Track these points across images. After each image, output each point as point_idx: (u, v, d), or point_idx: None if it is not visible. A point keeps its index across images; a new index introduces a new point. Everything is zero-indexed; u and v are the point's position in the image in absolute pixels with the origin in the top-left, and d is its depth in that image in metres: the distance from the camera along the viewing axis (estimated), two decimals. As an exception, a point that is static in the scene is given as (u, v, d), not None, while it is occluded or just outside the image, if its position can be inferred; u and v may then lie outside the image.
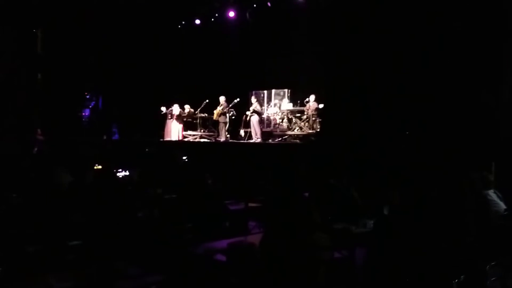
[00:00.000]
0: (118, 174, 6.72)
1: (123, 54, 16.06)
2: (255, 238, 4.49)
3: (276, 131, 13.48)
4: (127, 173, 6.88)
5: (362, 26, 9.72)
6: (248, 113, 13.15)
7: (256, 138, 12.86)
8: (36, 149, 11.32)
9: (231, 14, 15.20)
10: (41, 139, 13.22)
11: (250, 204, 6.52)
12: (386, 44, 9.22)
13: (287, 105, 13.82)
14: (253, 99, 13.29)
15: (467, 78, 7.94)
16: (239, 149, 11.74)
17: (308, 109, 12.77)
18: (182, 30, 16.73)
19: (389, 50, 9.17)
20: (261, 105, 13.74)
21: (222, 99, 13.56)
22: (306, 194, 5.40)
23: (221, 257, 4.42)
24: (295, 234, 3.45)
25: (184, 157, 8.93)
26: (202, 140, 14.11)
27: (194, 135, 14.51)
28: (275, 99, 14.25)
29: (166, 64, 16.43)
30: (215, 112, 13.69)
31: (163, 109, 14.45)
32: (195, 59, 16.31)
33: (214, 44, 16.06)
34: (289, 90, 14.11)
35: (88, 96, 16.78)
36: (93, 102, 16.86)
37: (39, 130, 13.46)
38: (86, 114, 16.62)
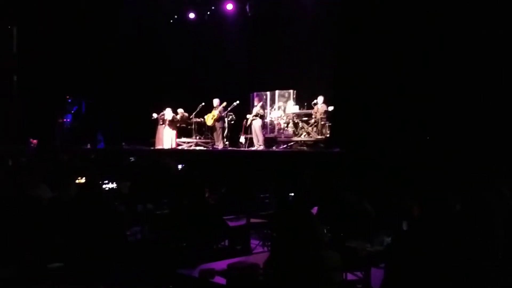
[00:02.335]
0: (104, 187, 6.74)
1: (108, 53, 16.12)
2: (258, 258, 4.49)
3: (281, 137, 13.50)
4: (115, 186, 6.90)
5: (376, 17, 9.75)
6: (249, 117, 13.18)
7: (258, 145, 12.87)
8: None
9: (229, 6, 15.28)
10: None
11: (252, 220, 6.52)
12: (404, 36, 9.24)
13: (292, 108, 13.84)
14: (256, 101, 13.32)
15: (490, 80, 8.00)
16: (239, 158, 11.75)
17: (316, 112, 12.79)
18: (174, 25, 16.82)
19: (407, 42, 9.19)
20: (264, 108, 13.77)
21: (216, 102, 13.61)
22: (315, 208, 5.40)
23: (220, 280, 4.41)
24: (303, 253, 3.45)
25: (180, 166, 8.94)
26: (197, 148, 14.13)
27: (188, 142, 14.53)
28: (279, 101, 14.27)
29: (157, 63, 16.49)
30: (207, 117, 13.73)
31: (155, 115, 14.48)
32: (189, 57, 16.37)
33: (211, 41, 16.13)
34: (295, 91, 14.13)
35: (70, 100, 16.83)
36: (76, 107, 16.90)
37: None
38: (68, 120, 16.65)
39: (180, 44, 16.52)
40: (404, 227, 4.57)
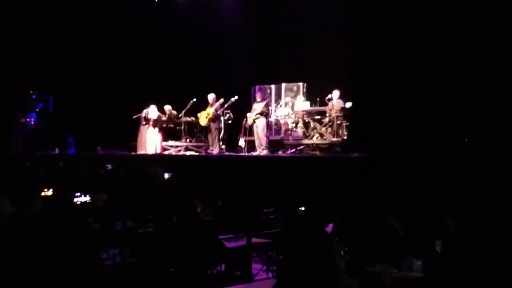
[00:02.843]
0: (75, 200, 6.73)
1: (81, 39, 16.12)
2: (261, 286, 4.48)
3: (288, 140, 13.50)
4: (88, 199, 6.89)
5: None
6: (250, 115, 13.18)
7: (261, 149, 12.87)
8: None
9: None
10: None
11: (254, 240, 6.51)
12: (434, 20, 9.27)
13: (302, 104, 13.84)
14: (258, 97, 13.32)
15: None
16: (238, 165, 11.74)
17: (331, 110, 12.79)
18: (160, 5, 16.82)
19: (437, 28, 9.22)
20: (268, 104, 13.77)
21: (211, 97, 13.59)
22: (330, 225, 5.39)
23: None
24: (316, 281, 3.44)
25: (166, 175, 8.97)
26: (188, 153, 14.13)
27: (177, 146, 14.53)
28: (286, 96, 14.29)
29: (140, 51, 16.50)
30: (201, 115, 13.71)
31: (145, 111, 14.36)
32: (178, 44, 16.37)
33: (204, 24, 16.13)
34: (305, 84, 14.14)
35: (34, 96, 16.83)
36: (41, 104, 16.91)
37: None
38: (32, 120, 16.66)
39: (168, 28, 16.52)
40: (438, 248, 4.56)
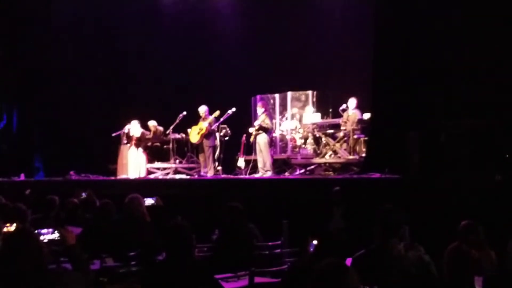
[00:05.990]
0: (42, 237, 6.68)
1: (51, 45, 16.16)
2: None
3: (296, 159, 13.48)
4: (56, 235, 6.84)
5: None
6: (251, 130, 13.16)
7: (264, 170, 12.82)
8: None
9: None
10: None
11: (257, 280, 6.45)
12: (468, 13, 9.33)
13: (312, 116, 13.82)
14: (260, 108, 13.29)
15: None
16: (237, 190, 11.72)
17: (346, 122, 12.77)
18: (144, 5, 16.85)
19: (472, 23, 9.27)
20: (271, 117, 13.76)
21: (203, 110, 13.56)
22: (348, 260, 5.34)
23: None
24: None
25: (151, 200, 8.96)
26: (177, 176, 14.10)
27: (165, 168, 14.50)
28: (292, 107, 14.28)
29: (119, 58, 16.52)
30: (192, 131, 13.70)
31: (127, 128, 14.29)
32: (164, 49, 16.39)
33: (195, 24, 16.16)
34: (315, 93, 14.13)
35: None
36: (3, 122, 16.91)
37: None
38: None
39: (152, 31, 16.57)
40: (477, 286, 4.50)
